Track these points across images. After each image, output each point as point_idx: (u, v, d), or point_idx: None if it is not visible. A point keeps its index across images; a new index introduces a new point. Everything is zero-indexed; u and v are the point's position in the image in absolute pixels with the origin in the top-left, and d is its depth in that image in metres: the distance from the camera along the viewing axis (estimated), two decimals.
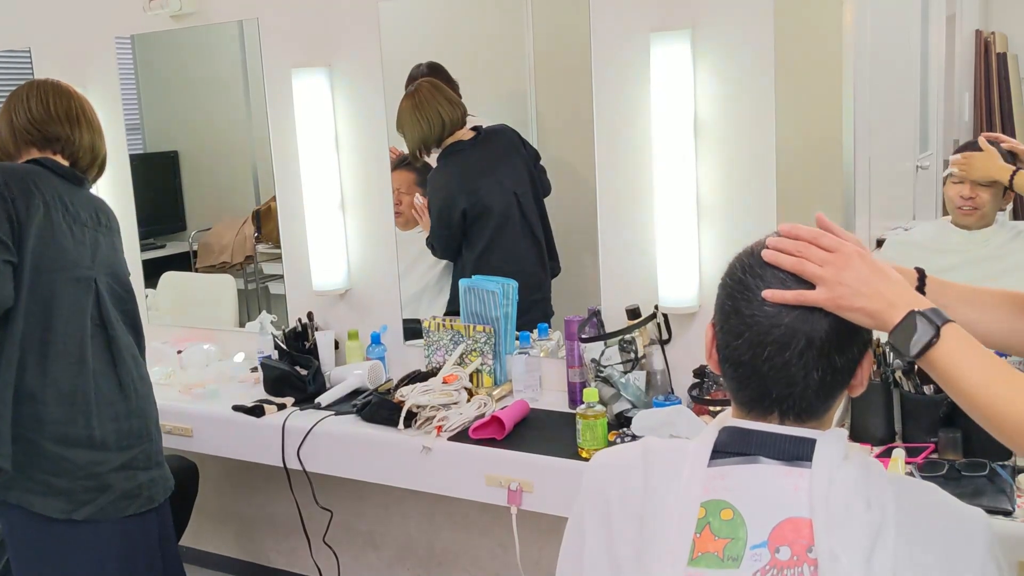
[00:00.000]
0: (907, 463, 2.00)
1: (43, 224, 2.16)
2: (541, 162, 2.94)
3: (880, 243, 2.63)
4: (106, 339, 2.26)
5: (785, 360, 1.06)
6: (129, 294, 2.37)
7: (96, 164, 2.40)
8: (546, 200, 2.97)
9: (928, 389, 2.11)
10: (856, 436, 2.17)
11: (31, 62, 3.63)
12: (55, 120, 2.31)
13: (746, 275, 1.09)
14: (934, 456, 2.05)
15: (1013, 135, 2.77)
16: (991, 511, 1.79)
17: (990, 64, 2.81)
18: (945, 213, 2.48)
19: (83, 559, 2.23)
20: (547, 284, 2.98)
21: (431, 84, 2.97)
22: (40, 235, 2.16)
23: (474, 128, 2.99)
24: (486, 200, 2.98)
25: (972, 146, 2.42)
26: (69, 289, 2.20)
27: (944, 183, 2.47)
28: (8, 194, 2.13)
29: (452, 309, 3.04)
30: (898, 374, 2.16)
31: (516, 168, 2.98)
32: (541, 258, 2.98)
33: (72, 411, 2.18)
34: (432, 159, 3.03)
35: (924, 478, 1.90)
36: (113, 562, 2.27)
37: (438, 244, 3.06)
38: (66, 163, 2.32)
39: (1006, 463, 1.99)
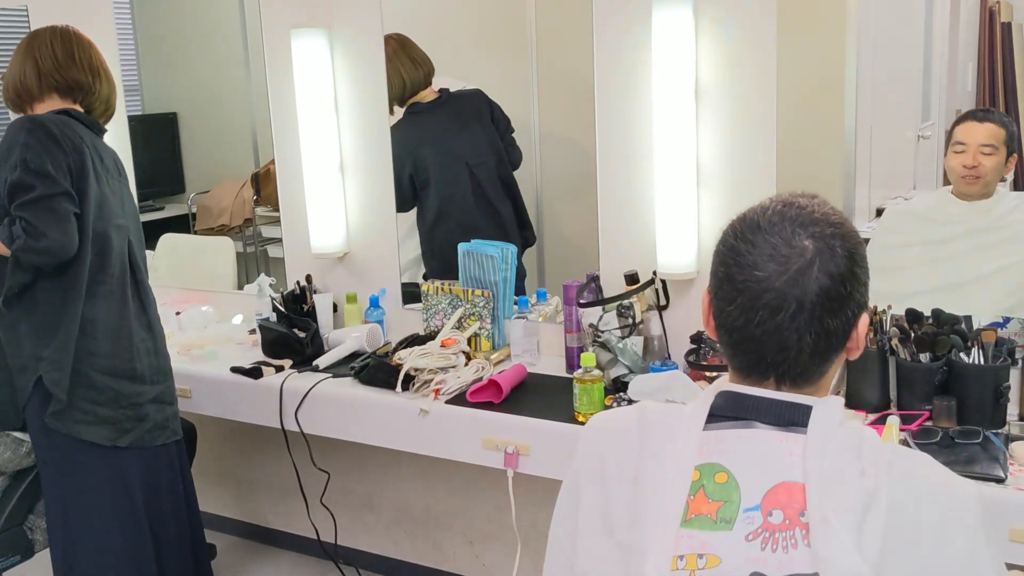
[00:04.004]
0: (901, 430, 2.01)
1: (92, 175, 2.32)
2: (513, 133, 2.87)
3: (880, 212, 2.63)
4: (135, 283, 2.45)
5: (777, 324, 1.06)
6: (143, 241, 2.55)
7: (107, 116, 2.54)
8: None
9: (924, 357, 2.13)
10: (851, 403, 2.18)
11: (28, 21, 3.59)
12: (79, 68, 2.44)
13: (738, 241, 1.09)
14: (928, 424, 2.06)
15: (1016, 105, 2.75)
16: (984, 478, 1.81)
17: (995, 33, 2.79)
18: (946, 183, 2.48)
19: (118, 486, 2.43)
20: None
21: (398, 41, 2.93)
22: (93, 185, 2.32)
23: (440, 91, 2.92)
24: (430, 169, 2.93)
25: (973, 115, 2.41)
26: (114, 235, 2.38)
27: (946, 153, 2.46)
28: (67, 146, 2.28)
29: (429, 271, 3.04)
30: (894, 342, 2.17)
31: (474, 137, 2.92)
32: (502, 229, 2.93)
33: (118, 346, 2.38)
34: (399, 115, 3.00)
35: (918, 445, 1.91)
36: (142, 488, 2.47)
37: (396, 199, 3.02)
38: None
39: (999, 431, 2.00)
